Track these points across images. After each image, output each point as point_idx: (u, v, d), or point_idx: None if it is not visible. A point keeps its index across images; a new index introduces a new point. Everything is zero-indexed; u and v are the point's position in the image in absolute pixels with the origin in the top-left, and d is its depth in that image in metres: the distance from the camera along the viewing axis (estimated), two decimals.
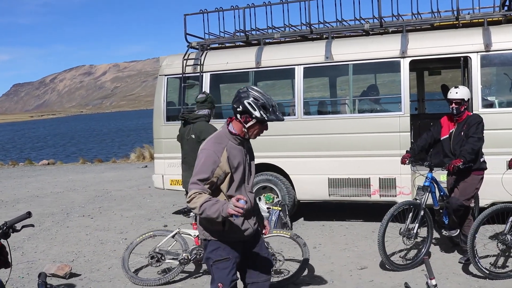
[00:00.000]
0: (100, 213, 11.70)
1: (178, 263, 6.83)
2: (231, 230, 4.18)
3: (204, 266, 7.06)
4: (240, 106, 4.07)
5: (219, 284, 4.20)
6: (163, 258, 6.96)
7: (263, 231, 4.65)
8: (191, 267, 7.14)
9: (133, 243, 7.24)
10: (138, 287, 6.71)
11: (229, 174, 4.11)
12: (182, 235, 7.06)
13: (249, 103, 4.04)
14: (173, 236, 7.06)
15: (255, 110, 4.04)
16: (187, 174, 7.23)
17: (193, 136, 7.33)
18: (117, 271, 7.35)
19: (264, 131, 4.20)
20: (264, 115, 4.05)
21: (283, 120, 4.14)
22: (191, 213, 7.02)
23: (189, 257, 6.79)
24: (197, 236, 6.85)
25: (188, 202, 3.98)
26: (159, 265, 6.97)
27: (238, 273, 4.40)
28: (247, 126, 4.11)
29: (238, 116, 4.12)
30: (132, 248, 7.18)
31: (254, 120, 4.08)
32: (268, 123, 4.16)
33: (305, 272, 6.71)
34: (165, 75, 10.52)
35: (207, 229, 4.23)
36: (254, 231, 4.39)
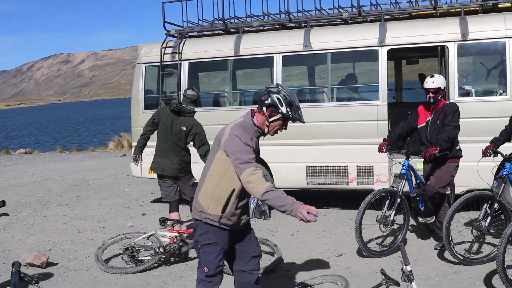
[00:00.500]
0: (77, 202, 11.62)
1: (153, 253, 6.84)
2: (227, 217, 4.24)
3: (191, 253, 7.07)
4: (269, 99, 4.19)
5: (205, 268, 4.27)
6: (137, 251, 6.97)
7: None
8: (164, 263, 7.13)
9: (106, 243, 7.26)
10: (115, 276, 6.69)
11: None
12: (157, 236, 7.06)
13: (278, 98, 4.17)
14: (148, 238, 7.07)
15: (282, 106, 4.17)
16: (172, 161, 7.49)
17: (184, 128, 7.44)
18: (94, 260, 7.31)
19: (280, 130, 4.32)
20: (290, 113, 4.18)
21: (304, 122, 4.29)
22: (168, 221, 7.08)
23: (165, 250, 6.81)
24: (173, 237, 6.89)
25: (249, 181, 3.99)
26: (133, 258, 6.95)
27: (225, 261, 4.44)
28: (270, 120, 4.23)
29: (264, 108, 4.23)
30: (105, 248, 7.22)
31: (279, 115, 4.20)
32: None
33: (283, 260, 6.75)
34: (143, 63, 10.46)
35: (203, 211, 4.27)
36: (247, 222, 4.48)
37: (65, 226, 9.44)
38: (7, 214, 4.32)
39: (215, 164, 4.23)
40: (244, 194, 4.24)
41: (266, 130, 4.28)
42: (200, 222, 4.31)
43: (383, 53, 8.86)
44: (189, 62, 10.06)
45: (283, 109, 4.17)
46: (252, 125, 4.26)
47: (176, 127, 7.48)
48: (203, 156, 7.28)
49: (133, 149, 10.66)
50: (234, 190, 4.19)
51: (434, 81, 6.87)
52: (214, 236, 4.27)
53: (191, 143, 7.54)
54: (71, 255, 7.69)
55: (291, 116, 4.19)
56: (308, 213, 3.81)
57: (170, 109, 7.54)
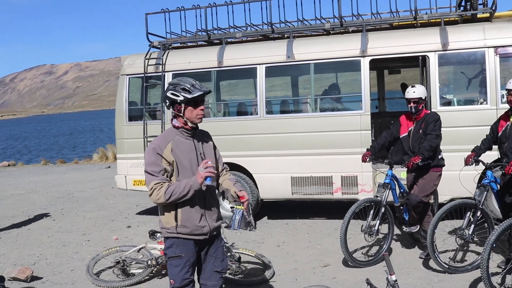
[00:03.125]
0: (62, 214, 11.56)
1: (145, 265, 6.81)
2: (184, 224, 4.24)
3: None
4: (166, 101, 4.25)
5: (171, 280, 4.32)
6: (129, 264, 6.94)
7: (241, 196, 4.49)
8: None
9: (100, 255, 7.21)
10: None
11: (175, 164, 4.21)
12: (148, 249, 7.04)
13: (171, 93, 4.20)
14: (138, 250, 7.05)
15: (178, 96, 4.17)
16: None
17: None
18: (80, 273, 7.28)
19: (201, 112, 4.25)
20: (188, 95, 4.15)
21: (208, 91, 4.24)
22: (158, 234, 7.06)
23: (157, 262, 6.78)
24: (163, 249, 6.87)
25: (150, 195, 4.13)
26: (124, 272, 6.91)
27: (193, 273, 4.41)
28: (182, 114, 4.22)
29: (171, 111, 4.29)
30: (98, 260, 7.16)
31: (183, 104, 4.19)
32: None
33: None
34: (127, 75, 10.45)
35: (163, 227, 4.33)
36: (214, 230, 4.41)
37: (50, 239, 9.38)
38: None
39: None
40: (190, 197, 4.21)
41: (189, 124, 4.25)
42: (165, 237, 4.39)
43: (365, 63, 8.94)
44: (172, 74, 10.06)
45: (180, 97, 4.15)
46: (173, 128, 4.31)
47: None
48: None
49: (117, 161, 10.67)
50: None
51: (415, 91, 6.95)
52: (179, 249, 4.30)
53: None
54: (56, 269, 7.64)
55: (190, 97, 4.16)
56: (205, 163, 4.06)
57: None
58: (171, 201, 4.09)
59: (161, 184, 4.09)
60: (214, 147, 4.54)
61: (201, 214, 4.29)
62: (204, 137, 4.46)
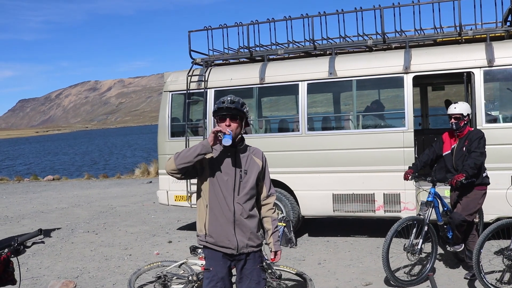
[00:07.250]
0: (104, 229, 11.71)
1: (186, 281, 6.82)
2: (210, 234, 4.26)
3: None
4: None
5: None
6: (170, 279, 6.96)
7: (271, 258, 4.49)
8: None
9: (141, 270, 7.26)
10: None
11: (204, 170, 4.22)
12: (189, 265, 7.07)
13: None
14: (179, 266, 7.08)
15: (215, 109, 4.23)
16: None
17: None
18: (121, 287, 7.34)
19: (224, 127, 4.16)
20: (215, 107, 4.20)
21: (223, 106, 4.13)
22: (199, 250, 7.08)
23: (197, 278, 6.79)
24: (204, 265, 6.88)
25: (166, 167, 4.20)
26: (165, 286, 6.94)
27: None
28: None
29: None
30: (140, 274, 7.20)
31: (216, 117, 4.24)
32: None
33: None
34: (170, 91, 10.57)
35: (198, 235, 4.38)
36: (244, 247, 4.29)
37: (93, 253, 9.51)
38: (43, 242, 4.34)
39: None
40: (217, 207, 4.21)
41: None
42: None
43: (408, 80, 8.85)
44: (214, 90, 10.14)
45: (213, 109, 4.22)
46: None
47: None
48: None
49: (159, 177, 10.77)
50: (207, 205, 4.25)
51: (456, 107, 6.86)
52: (208, 262, 4.33)
53: None
54: (98, 283, 7.73)
55: (214, 110, 4.20)
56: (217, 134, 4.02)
57: None
58: (179, 162, 4.07)
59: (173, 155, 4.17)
60: (263, 168, 4.40)
61: (230, 228, 4.22)
62: (252, 155, 4.36)
